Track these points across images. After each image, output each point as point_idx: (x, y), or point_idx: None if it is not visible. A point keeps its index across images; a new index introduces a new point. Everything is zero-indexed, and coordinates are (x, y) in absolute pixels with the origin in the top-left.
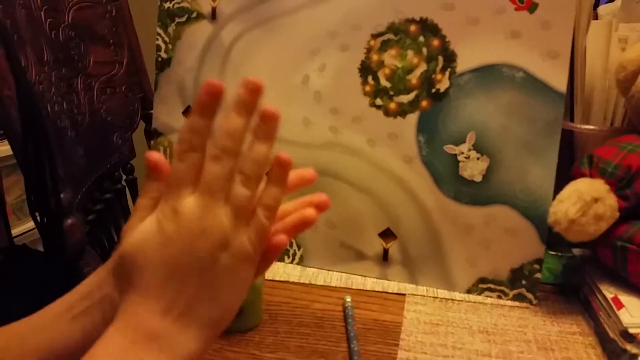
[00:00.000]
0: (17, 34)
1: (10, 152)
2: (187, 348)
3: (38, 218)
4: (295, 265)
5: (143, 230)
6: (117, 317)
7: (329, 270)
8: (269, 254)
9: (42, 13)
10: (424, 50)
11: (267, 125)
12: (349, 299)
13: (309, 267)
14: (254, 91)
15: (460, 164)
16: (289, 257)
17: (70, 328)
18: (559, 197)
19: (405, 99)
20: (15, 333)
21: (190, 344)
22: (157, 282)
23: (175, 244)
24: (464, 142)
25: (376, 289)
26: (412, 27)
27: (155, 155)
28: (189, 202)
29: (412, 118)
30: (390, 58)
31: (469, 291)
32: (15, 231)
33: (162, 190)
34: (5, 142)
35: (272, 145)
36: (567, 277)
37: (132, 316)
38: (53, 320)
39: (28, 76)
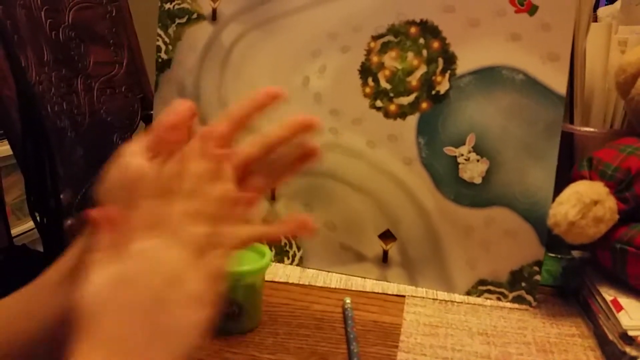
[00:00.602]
0: (17, 34)
1: (10, 152)
2: None
3: (38, 218)
4: (295, 267)
5: (94, 279)
6: None
7: (329, 272)
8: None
9: (43, 13)
10: (424, 52)
11: (222, 168)
12: (348, 301)
13: (308, 268)
14: (208, 137)
15: (460, 166)
16: (288, 258)
17: (49, 301)
18: (558, 199)
19: (405, 100)
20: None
21: None
22: (103, 327)
23: (125, 285)
24: (463, 144)
25: (376, 291)
26: (413, 29)
27: (96, 213)
28: (143, 241)
29: (412, 120)
30: (391, 60)
31: (468, 293)
32: (14, 231)
33: (111, 239)
34: (5, 142)
35: (230, 181)
36: (566, 279)
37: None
38: (32, 294)
39: (28, 76)
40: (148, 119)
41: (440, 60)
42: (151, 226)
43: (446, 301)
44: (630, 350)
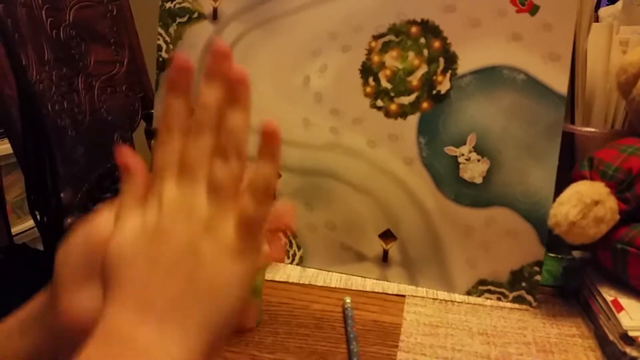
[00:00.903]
0: (18, 32)
1: (11, 151)
2: (173, 354)
3: (38, 217)
4: (295, 266)
5: (121, 230)
6: (96, 325)
7: (329, 271)
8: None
9: (43, 12)
10: (425, 51)
11: (239, 91)
12: (348, 300)
13: (308, 267)
14: (223, 58)
15: (461, 166)
16: (288, 257)
17: (20, 344)
18: (559, 199)
19: (406, 100)
20: None
21: (177, 350)
22: (134, 281)
23: (155, 235)
24: (464, 143)
25: (376, 290)
26: (414, 29)
27: (126, 156)
28: (171, 189)
29: (413, 119)
30: (391, 59)
31: (468, 293)
32: (15, 229)
33: (139, 188)
34: (6, 140)
35: (248, 113)
36: (567, 279)
37: (107, 322)
38: (4, 337)
39: (29, 75)
40: (149, 118)
41: (441, 60)
42: (177, 173)
43: (446, 301)
44: (631, 351)
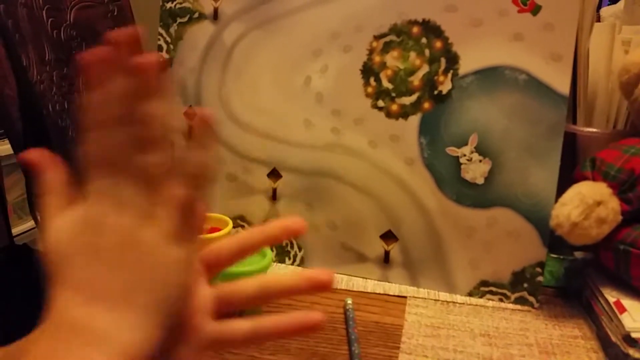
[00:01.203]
0: (18, 33)
1: (12, 152)
2: (127, 338)
3: (39, 218)
4: (296, 267)
5: (59, 222)
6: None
7: None
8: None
9: (44, 12)
10: (427, 51)
11: (147, 77)
12: (349, 301)
13: (310, 268)
14: (126, 38)
15: (462, 166)
16: (289, 258)
17: None
18: (561, 200)
19: (407, 100)
20: None
21: (129, 335)
22: (78, 275)
23: (90, 228)
24: (466, 144)
25: (377, 291)
26: (415, 29)
27: (31, 155)
28: (100, 184)
29: (414, 120)
30: (393, 59)
31: (470, 294)
32: (15, 230)
33: (57, 182)
34: (6, 141)
35: (163, 99)
36: (569, 280)
37: (56, 315)
38: None
39: (29, 75)
40: None
41: (443, 60)
42: (106, 163)
43: (448, 302)
44: (634, 353)
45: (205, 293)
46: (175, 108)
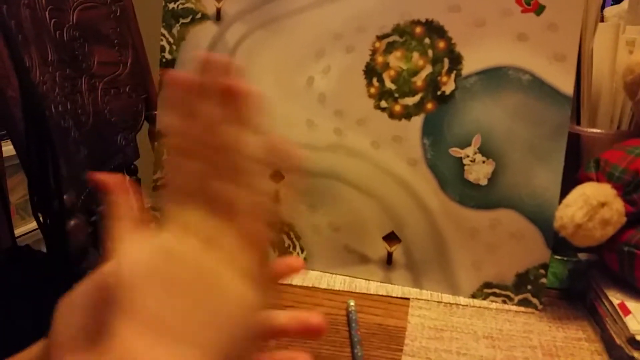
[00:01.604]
0: (21, 34)
1: (14, 152)
2: None
3: (41, 219)
4: None
5: (136, 250)
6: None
7: (333, 274)
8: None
9: (47, 13)
10: (430, 52)
11: (242, 107)
12: (352, 303)
13: (312, 270)
14: (222, 71)
15: (466, 167)
16: None
17: None
18: (565, 201)
19: (410, 101)
20: None
21: None
22: (147, 303)
23: (169, 257)
24: (469, 145)
25: (380, 293)
26: (418, 29)
27: (109, 179)
28: (186, 214)
29: (417, 120)
30: (396, 60)
31: (473, 296)
32: (18, 231)
33: (132, 208)
34: (9, 142)
35: (256, 130)
36: (573, 282)
37: (120, 344)
38: None
39: (32, 76)
40: (152, 119)
41: (446, 61)
42: (191, 198)
43: (451, 304)
44: (639, 355)
45: None
46: (264, 140)
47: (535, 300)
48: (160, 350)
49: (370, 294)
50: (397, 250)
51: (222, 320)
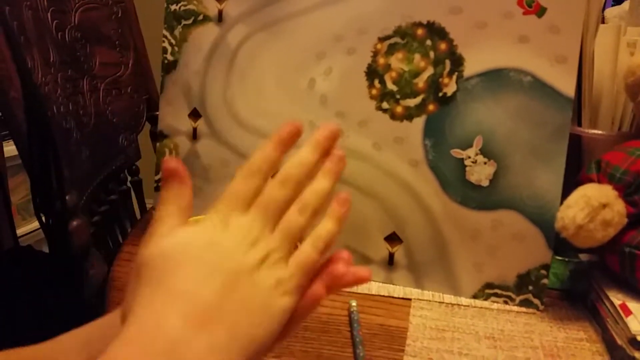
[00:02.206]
0: (23, 35)
1: (16, 153)
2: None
3: (43, 219)
4: None
5: (184, 233)
6: (133, 314)
7: None
8: (306, 303)
9: (49, 14)
10: (431, 53)
11: (334, 166)
12: (354, 304)
13: None
14: (332, 137)
15: (467, 169)
16: None
17: None
18: (566, 202)
19: (411, 102)
20: (24, 359)
21: (213, 356)
22: (189, 282)
23: (219, 249)
24: (471, 146)
25: (382, 294)
26: (419, 31)
27: (173, 162)
28: (241, 218)
29: (419, 122)
30: (397, 61)
31: (475, 296)
32: (20, 231)
33: (184, 198)
34: (11, 142)
35: (334, 183)
36: (574, 283)
37: (151, 316)
38: (66, 353)
39: (34, 78)
40: (153, 120)
41: (448, 62)
42: (250, 206)
43: (453, 304)
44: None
45: None
46: (335, 194)
47: (536, 301)
48: (186, 329)
49: (372, 295)
50: (399, 251)
51: (251, 319)
